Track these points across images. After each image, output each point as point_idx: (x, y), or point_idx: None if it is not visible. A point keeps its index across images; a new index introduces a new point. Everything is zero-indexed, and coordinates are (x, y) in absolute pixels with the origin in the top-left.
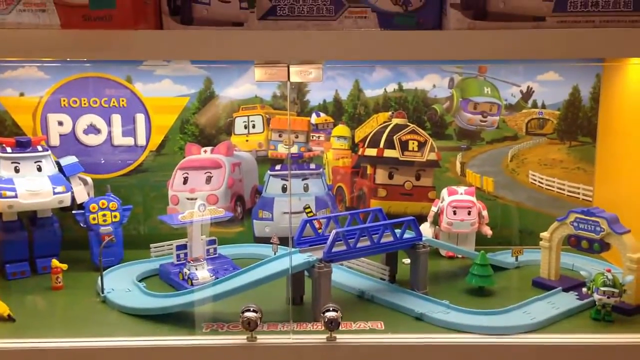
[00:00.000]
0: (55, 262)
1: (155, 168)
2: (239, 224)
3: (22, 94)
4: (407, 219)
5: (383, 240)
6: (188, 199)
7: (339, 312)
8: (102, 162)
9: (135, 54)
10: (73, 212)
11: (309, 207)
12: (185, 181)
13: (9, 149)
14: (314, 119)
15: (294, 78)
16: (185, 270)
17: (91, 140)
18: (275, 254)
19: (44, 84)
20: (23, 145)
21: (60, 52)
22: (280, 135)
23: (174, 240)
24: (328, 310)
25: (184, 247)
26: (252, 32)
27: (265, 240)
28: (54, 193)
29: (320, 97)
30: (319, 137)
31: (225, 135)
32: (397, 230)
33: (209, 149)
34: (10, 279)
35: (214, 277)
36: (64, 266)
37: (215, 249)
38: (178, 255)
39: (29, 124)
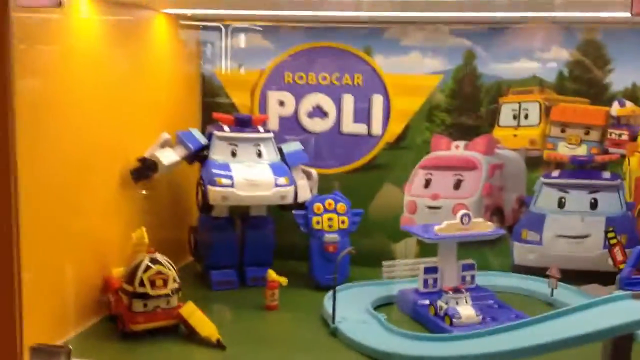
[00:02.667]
0: (272, 274)
1: (389, 165)
2: (491, 244)
3: (240, 66)
4: None
5: None
6: (429, 207)
7: None
8: (328, 152)
9: None
10: (294, 211)
11: (612, 231)
12: (427, 184)
13: (226, 128)
14: (615, 109)
15: None
16: (440, 303)
17: (316, 125)
18: (552, 291)
19: (266, 55)
20: (243, 124)
21: None
22: (563, 130)
23: (416, 260)
24: None
25: (434, 270)
26: None
27: (528, 270)
28: (276, 185)
29: (628, 79)
30: (619, 135)
31: (485, 127)
32: None
33: (462, 143)
34: (215, 289)
35: (480, 316)
36: (283, 280)
37: (472, 277)
38: (426, 281)
39: (245, 103)
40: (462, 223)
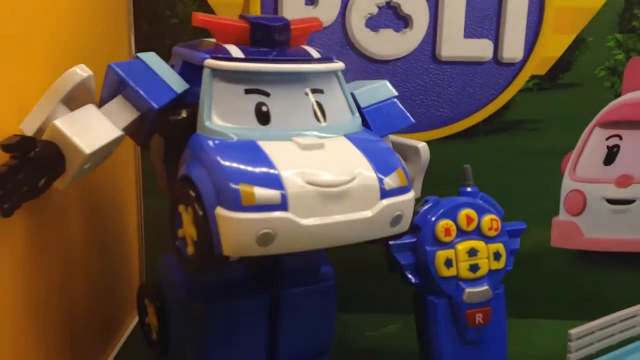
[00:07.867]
0: None
1: (536, 120)
2: None
3: None
4: None
5: None
6: (610, 201)
7: None
8: (414, 100)
9: None
10: (391, 242)
11: None
12: (610, 157)
13: (235, 50)
14: None
15: None
16: None
17: (386, 44)
18: None
19: None
20: (272, 38)
21: None
22: None
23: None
24: None
25: None
26: None
27: None
28: (383, 193)
29: None
30: None
31: None
32: None
33: None
34: None
35: None
36: None
37: None
38: None
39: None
40: None
